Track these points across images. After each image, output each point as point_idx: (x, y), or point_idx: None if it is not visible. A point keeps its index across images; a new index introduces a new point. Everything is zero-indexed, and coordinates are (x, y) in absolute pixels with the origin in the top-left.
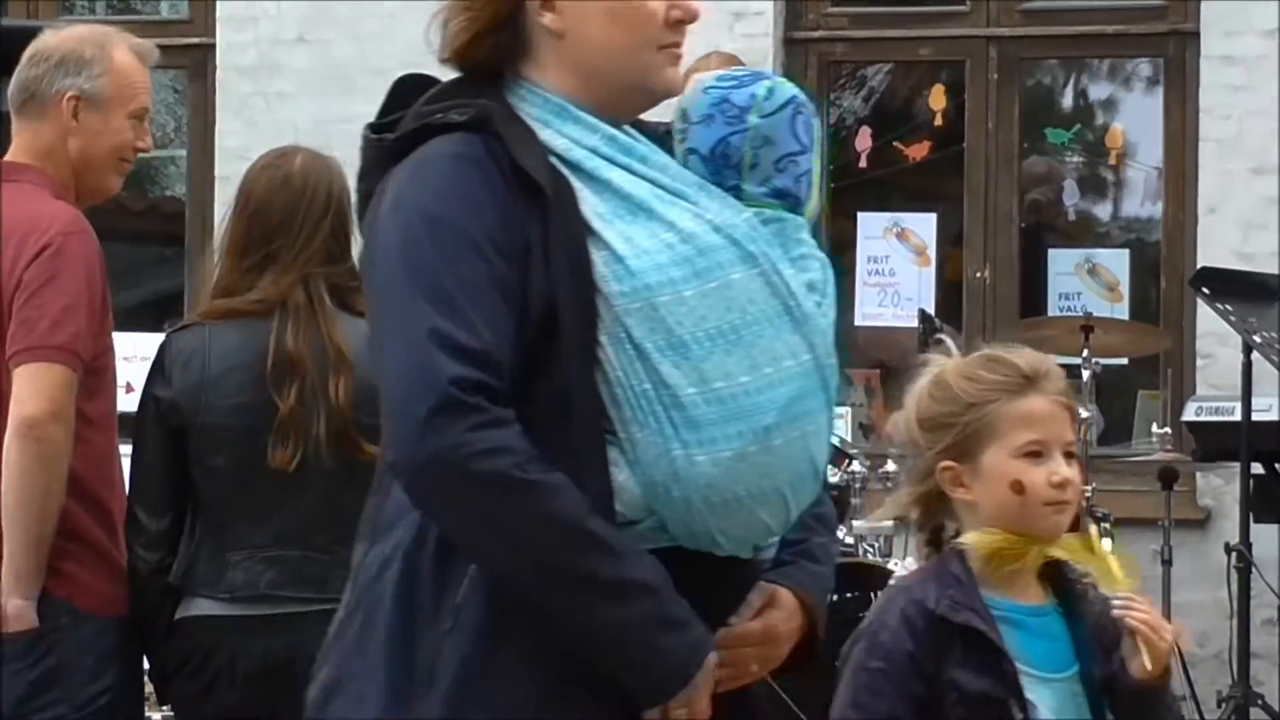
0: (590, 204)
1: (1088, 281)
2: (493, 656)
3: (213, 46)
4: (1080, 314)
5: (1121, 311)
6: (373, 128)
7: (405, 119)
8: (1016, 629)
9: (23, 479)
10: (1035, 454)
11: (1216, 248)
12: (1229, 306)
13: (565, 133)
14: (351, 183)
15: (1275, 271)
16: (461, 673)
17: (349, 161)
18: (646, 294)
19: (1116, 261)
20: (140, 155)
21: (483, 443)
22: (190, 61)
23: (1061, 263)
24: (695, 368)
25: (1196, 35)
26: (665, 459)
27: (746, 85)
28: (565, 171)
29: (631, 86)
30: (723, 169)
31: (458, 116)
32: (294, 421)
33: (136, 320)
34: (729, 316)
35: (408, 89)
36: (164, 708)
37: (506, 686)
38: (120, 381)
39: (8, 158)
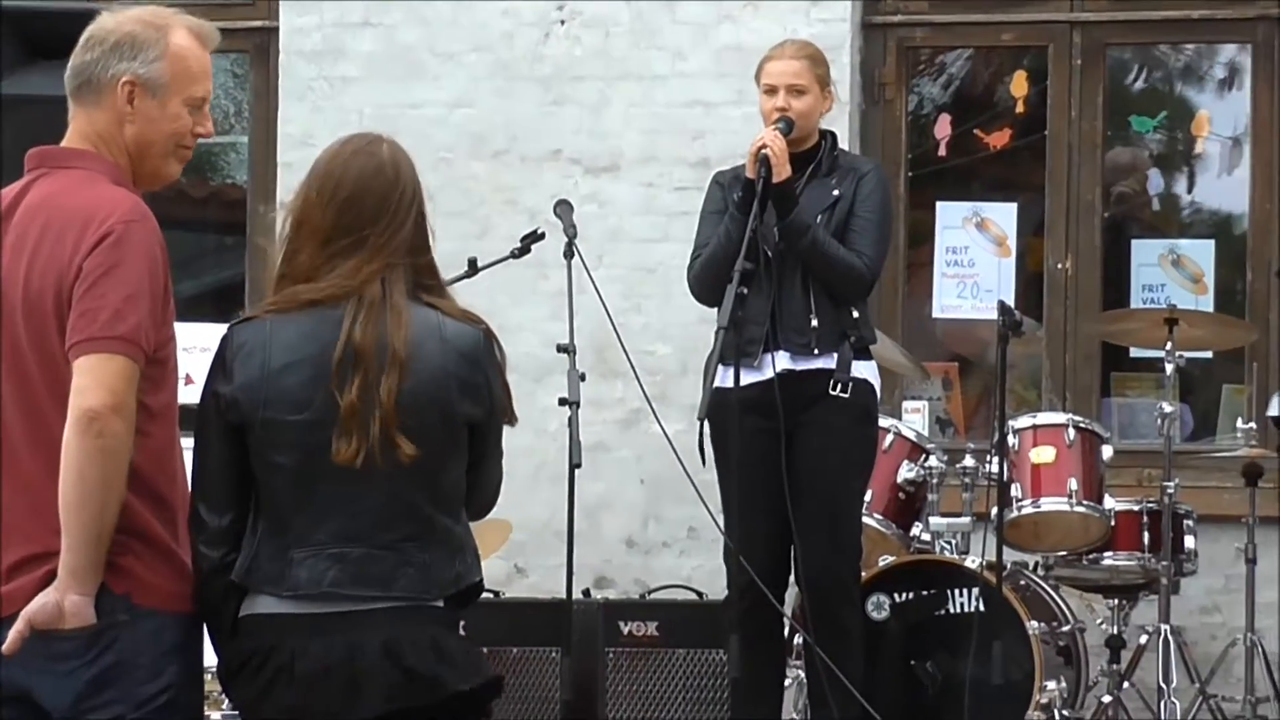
0: None
1: (1172, 273)
2: None
3: (276, 30)
4: (1164, 306)
5: (1206, 304)
6: None
7: None
8: None
9: (81, 472)
10: None
11: None
12: None
13: None
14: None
15: None
16: None
17: (413, 148)
18: None
19: (1201, 252)
20: (200, 141)
21: None
22: (252, 45)
23: (1145, 254)
24: None
25: None
26: None
27: None
28: None
29: None
30: None
31: None
32: (356, 416)
33: (197, 310)
34: None
35: None
36: (224, 708)
37: None
38: (179, 373)
39: (64, 143)
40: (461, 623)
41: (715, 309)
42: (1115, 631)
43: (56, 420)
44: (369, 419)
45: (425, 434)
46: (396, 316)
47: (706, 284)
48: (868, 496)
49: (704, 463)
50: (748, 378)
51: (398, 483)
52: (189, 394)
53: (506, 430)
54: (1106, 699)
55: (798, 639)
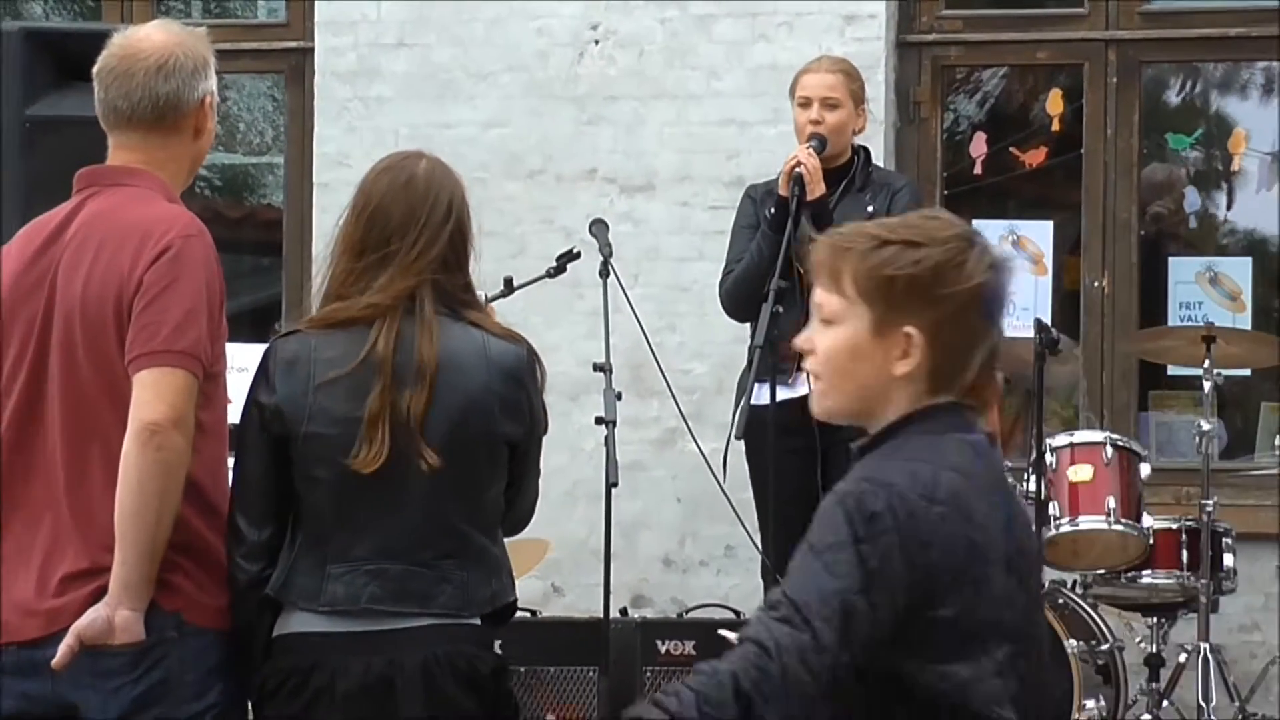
0: None
1: (1209, 290)
2: None
3: (311, 51)
4: (1202, 324)
5: (1244, 321)
6: None
7: None
8: None
9: (140, 485)
10: None
11: None
12: None
13: None
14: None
15: None
16: None
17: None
18: None
19: (1239, 270)
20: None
21: None
22: (288, 66)
23: (1182, 271)
24: None
25: None
26: None
27: None
28: None
29: None
30: None
31: None
32: (377, 426)
33: (233, 330)
34: None
35: None
36: None
37: None
38: None
39: (115, 164)
40: (498, 642)
41: (749, 326)
42: (1154, 650)
43: (114, 433)
44: (395, 431)
45: (466, 452)
46: (427, 332)
47: (738, 300)
48: None
49: (724, 475)
50: (783, 395)
51: (436, 500)
52: (230, 412)
53: (543, 449)
54: (1146, 718)
55: None
